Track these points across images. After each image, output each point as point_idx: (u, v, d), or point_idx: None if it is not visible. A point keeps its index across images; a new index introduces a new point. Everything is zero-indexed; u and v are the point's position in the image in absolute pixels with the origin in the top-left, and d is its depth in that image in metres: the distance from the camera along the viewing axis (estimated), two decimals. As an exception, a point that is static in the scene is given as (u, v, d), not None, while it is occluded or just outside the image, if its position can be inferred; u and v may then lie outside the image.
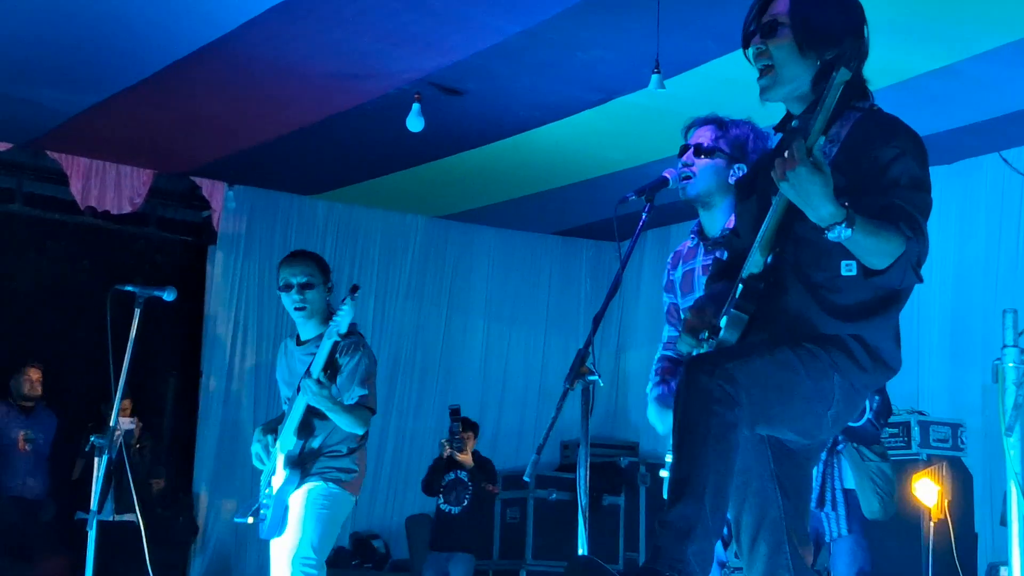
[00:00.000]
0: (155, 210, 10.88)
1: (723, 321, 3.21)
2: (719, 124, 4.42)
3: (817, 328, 3.14)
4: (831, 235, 2.94)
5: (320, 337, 5.42)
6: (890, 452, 8.22)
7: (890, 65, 7.33)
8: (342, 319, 5.19)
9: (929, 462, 8.13)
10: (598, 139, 9.26)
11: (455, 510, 9.41)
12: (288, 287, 5.52)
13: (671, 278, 4.53)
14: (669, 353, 4.53)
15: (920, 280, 3.08)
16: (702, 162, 4.32)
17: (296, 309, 5.53)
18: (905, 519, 7.92)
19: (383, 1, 7.12)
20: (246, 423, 10.68)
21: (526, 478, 3.95)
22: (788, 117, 3.37)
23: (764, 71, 3.29)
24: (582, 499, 3.88)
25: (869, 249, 3.00)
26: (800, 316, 3.16)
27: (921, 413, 8.48)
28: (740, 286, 3.18)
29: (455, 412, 9.55)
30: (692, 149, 4.37)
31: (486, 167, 9.99)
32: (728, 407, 2.95)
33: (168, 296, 5.48)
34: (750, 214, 3.38)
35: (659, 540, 2.95)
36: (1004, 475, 8.87)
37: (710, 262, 4.28)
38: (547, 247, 12.17)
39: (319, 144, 9.59)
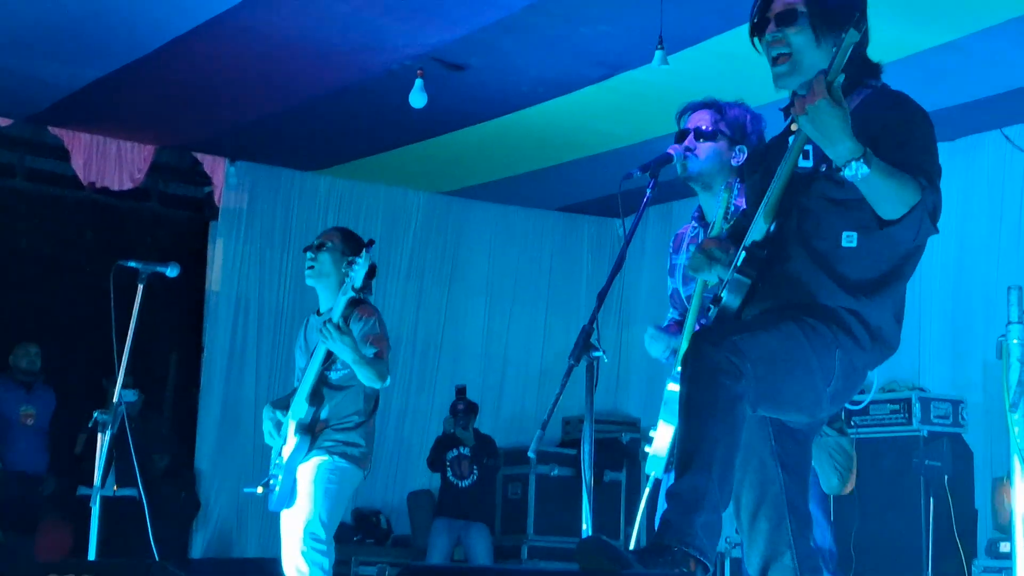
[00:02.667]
0: (156, 185, 10.86)
1: (724, 289, 3.22)
2: (716, 108, 4.42)
3: (818, 297, 3.17)
4: (848, 172, 2.95)
5: None
6: (891, 428, 8.30)
7: (893, 41, 7.31)
8: (356, 272, 5.26)
9: (929, 438, 8.15)
10: (601, 115, 9.23)
11: (464, 483, 9.57)
12: (307, 248, 5.60)
13: (673, 262, 4.53)
14: (668, 325, 4.54)
15: (936, 231, 3.10)
16: (705, 145, 4.33)
17: (307, 268, 5.61)
18: (906, 494, 7.96)
19: (385, -25, 7.11)
20: (248, 399, 10.68)
21: (530, 453, 3.96)
22: (794, 96, 3.39)
23: (780, 59, 3.32)
24: (586, 475, 3.88)
25: (885, 194, 3.01)
26: (802, 284, 3.19)
27: (922, 389, 8.51)
28: (743, 252, 3.20)
29: (461, 391, 9.68)
30: (692, 133, 4.36)
31: (488, 143, 9.96)
32: (735, 379, 2.97)
33: (171, 272, 5.51)
34: (755, 190, 3.40)
35: (667, 513, 2.96)
36: (1005, 451, 8.92)
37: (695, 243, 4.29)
38: (548, 223, 12.13)
39: (321, 119, 9.56)
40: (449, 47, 8.11)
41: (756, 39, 3.38)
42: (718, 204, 4.06)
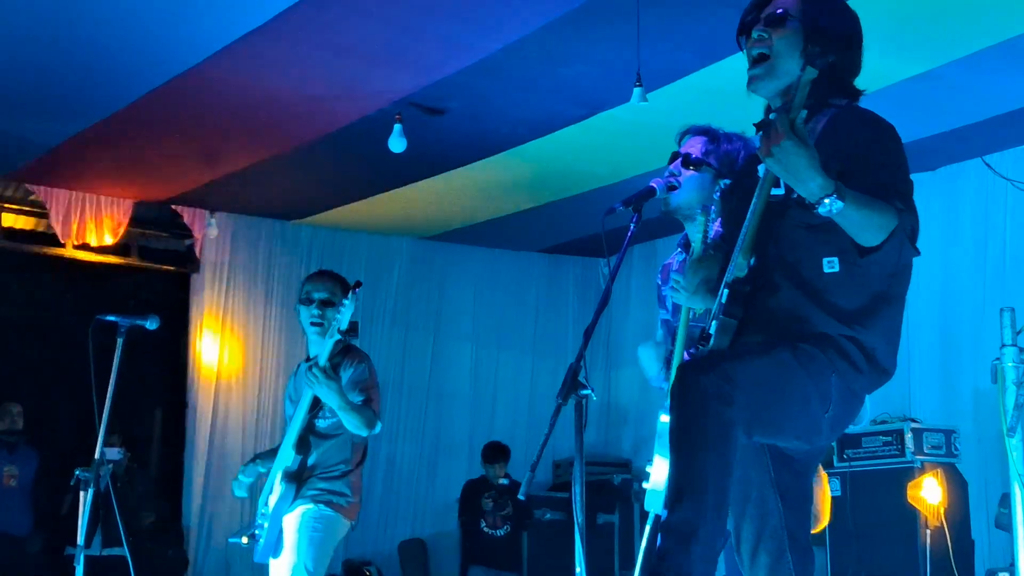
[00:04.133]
0: (136, 240, 10.79)
1: (713, 327, 3.17)
2: (711, 137, 4.37)
3: (812, 326, 3.11)
4: (822, 209, 2.91)
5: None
6: (884, 460, 8.24)
7: (871, 71, 7.28)
8: (343, 315, 5.19)
9: (924, 469, 8.09)
10: (582, 154, 9.21)
11: (499, 533, 9.47)
12: (309, 301, 5.55)
13: (662, 293, 4.49)
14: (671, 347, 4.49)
15: (917, 252, 3.06)
16: (688, 173, 4.28)
17: (313, 324, 5.55)
18: (902, 526, 7.89)
19: (361, 22, 7.07)
20: (233, 453, 10.59)
21: (520, 496, 3.87)
22: (768, 111, 3.36)
23: (759, 60, 3.29)
24: (579, 516, 3.80)
25: (862, 224, 2.97)
26: (793, 314, 3.13)
27: (914, 420, 8.45)
28: (726, 291, 3.15)
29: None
30: (681, 159, 4.31)
31: (470, 186, 9.94)
32: (726, 404, 2.90)
33: (151, 325, 5.43)
34: (733, 214, 3.36)
35: (663, 544, 2.89)
36: (999, 480, 8.87)
37: (677, 269, 4.25)
38: (533, 265, 12.11)
39: (301, 168, 9.53)
40: (427, 91, 8.08)
41: (743, 38, 3.35)
42: (696, 228, 4.00)
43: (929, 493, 7.83)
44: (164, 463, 10.84)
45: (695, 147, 4.35)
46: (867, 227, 2.98)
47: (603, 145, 8.98)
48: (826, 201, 2.90)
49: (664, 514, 4.07)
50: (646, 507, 4.14)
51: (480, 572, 9.91)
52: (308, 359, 5.63)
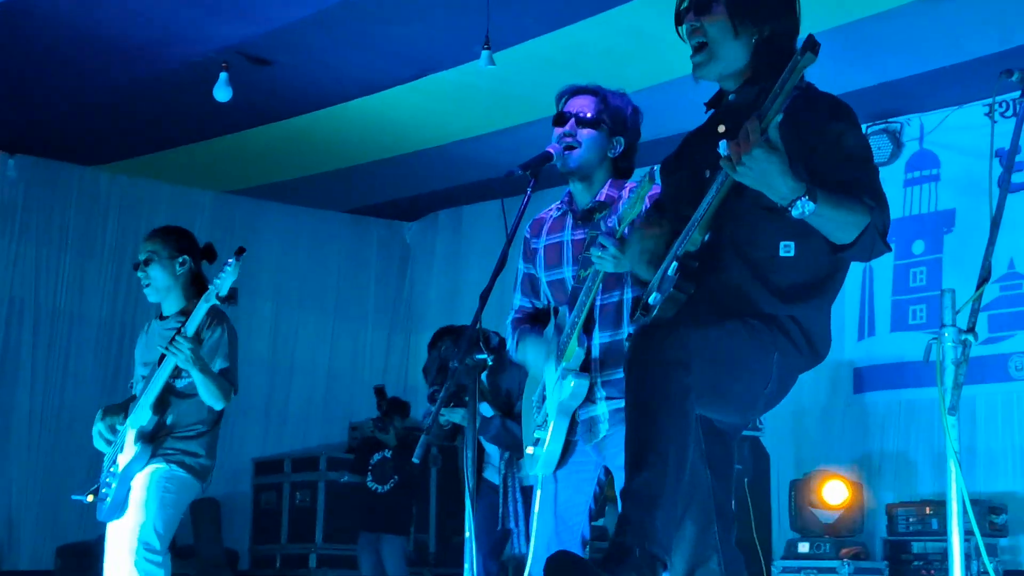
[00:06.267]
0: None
1: (655, 299, 3.15)
2: (600, 95, 4.30)
3: (756, 307, 3.12)
4: (795, 211, 2.90)
5: (184, 311, 5.24)
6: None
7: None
8: (223, 281, 5.00)
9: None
10: (406, 116, 9.10)
11: (381, 488, 9.18)
12: (135, 266, 5.35)
13: (533, 247, 4.39)
14: (520, 316, 4.43)
15: (889, 249, 3.09)
16: (585, 132, 4.22)
17: (144, 287, 5.34)
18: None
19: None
20: (21, 405, 10.19)
21: (415, 459, 3.78)
22: (721, 93, 3.34)
23: (698, 48, 3.26)
24: (469, 480, 3.76)
25: (835, 222, 2.98)
26: (739, 294, 3.13)
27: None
28: (675, 263, 3.12)
29: (380, 392, 9.29)
30: (574, 119, 4.25)
31: (285, 141, 9.70)
32: (684, 372, 2.89)
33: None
34: (678, 189, 3.34)
35: (625, 510, 2.87)
36: (797, 454, 9.18)
37: (582, 237, 4.20)
38: (337, 225, 11.93)
39: (117, 113, 9.14)
40: (256, 41, 7.86)
41: (680, 28, 3.32)
42: (633, 196, 3.89)
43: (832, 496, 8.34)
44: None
45: (585, 106, 4.27)
46: (840, 226, 3.00)
47: (429, 108, 8.91)
48: (798, 204, 2.91)
49: (551, 478, 4.08)
50: (530, 471, 4.11)
51: (364, 539, 9.24)
52: (162, 316, 5.41)
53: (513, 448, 6.24)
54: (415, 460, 3.73)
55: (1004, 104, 8.35)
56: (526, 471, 4.17)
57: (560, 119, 4.25)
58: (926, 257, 8.90)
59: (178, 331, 5.09)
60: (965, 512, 2.78)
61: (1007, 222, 3.00)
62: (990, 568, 3.01)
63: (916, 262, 8.96)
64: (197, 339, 5.12)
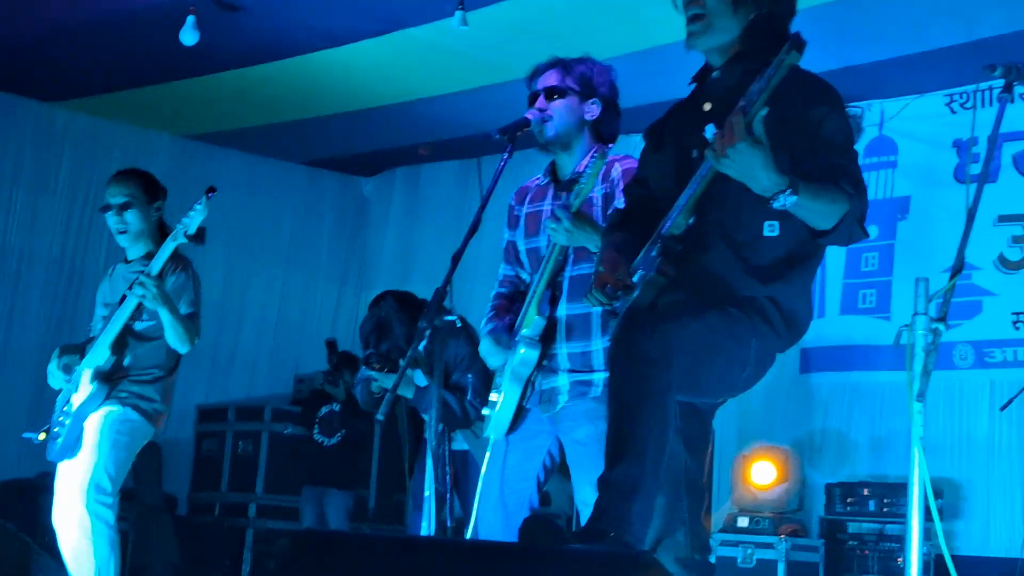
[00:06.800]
0: None
1: (636, 277, 3.17)
2: (562, 65, 4.39)
3: (736, 290, 3.16)
4: (776, 204, 2.94)
5: (150, 254, 5.18)
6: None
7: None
8: (192, 219, 4.99)
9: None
10: (369, 70, 9.05)
11: (328, 442, 9.15)
12: (107, 208, 5.29)
13: (516, 214, 4.44)
14: (504, 291, 4.47)
15: (867, 235, 3.14)
16: (556, 103, 4.28)
17: (119, 232, 5.30)
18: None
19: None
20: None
21: (379, 417, 3.79)
22: (707, 68, 3.36)
23: (695, 18, 3.28)
24: (432, 440, 3.80)
25: (815, 212, 3.02)
26: (720, 277, 3.17)
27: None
28: (659, 244, 3.14)
29: (331, 345, 9.22)
30: (543, 94, 4.32)
31: (247, 89, 9.61)
32: (665, 369, 2.94)
33: None
34: (664, 166, 3.36)
35: (601, 500, 2.92)
36: (740, 430, 9.27)
37: (561, 205, 4.24)
38: (292, 177, 11.86)
39: (78, 49, 9.00)
40: (226, -14, 7.80)
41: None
42: (589, 168, 3.96)
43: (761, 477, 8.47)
44: None
45: (552, 79, 4.36)
46: (820, 215, 3.04)
47: (396, 64, 8.86)
48: (780, 197, 2.94)
49: (504, 441, 4.12)
50: (486, 434, 4.15)
51: (308, 492, 9.38)
52: (127, 260, 5.38)
53: (448, 422, 5.98)
54: (379, 417, 3.74)
55: (964, 95, 8.46)
56: (486, 434, 4.20)
57: (532, 99, 4.34)
58: (879, 243, 8.98)
59: (146, 275, 5.07)
60: (925, 496, 2.84)
61: (957, 212, 3.06)
62: (946, 552, 3.07)
63: (869, 247, 9.03)
64: (161, 278, 5.09)
